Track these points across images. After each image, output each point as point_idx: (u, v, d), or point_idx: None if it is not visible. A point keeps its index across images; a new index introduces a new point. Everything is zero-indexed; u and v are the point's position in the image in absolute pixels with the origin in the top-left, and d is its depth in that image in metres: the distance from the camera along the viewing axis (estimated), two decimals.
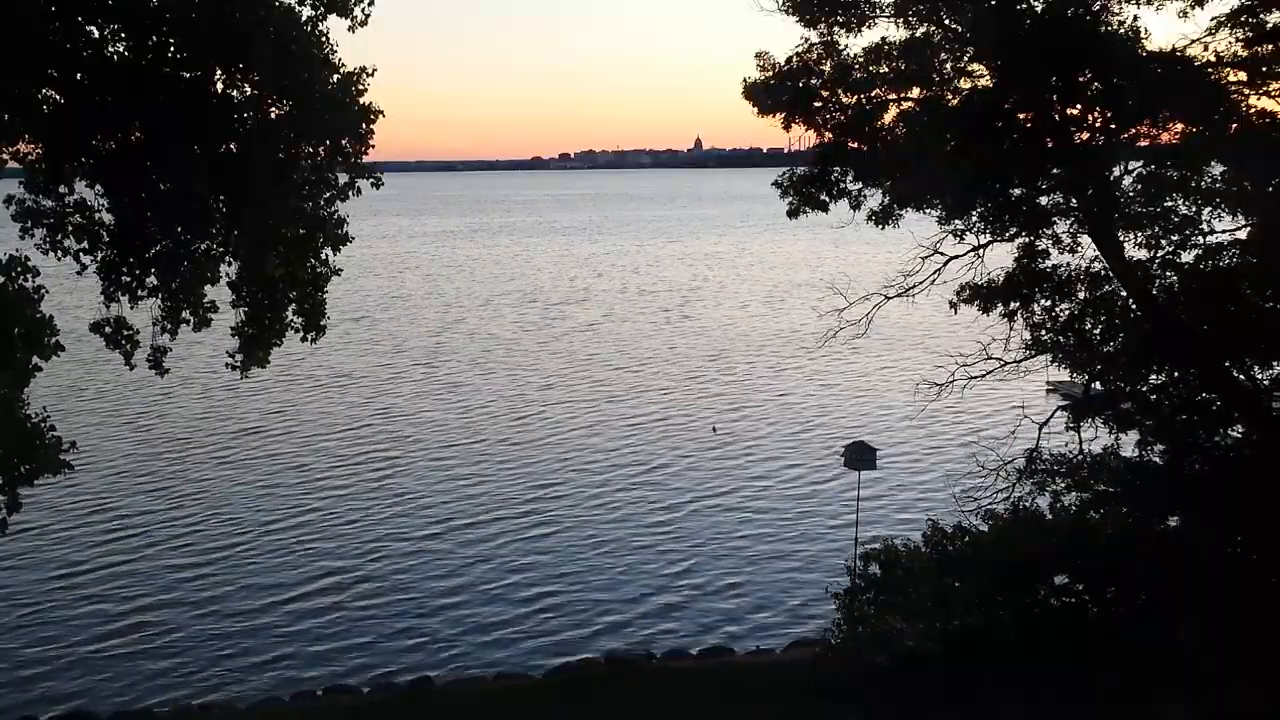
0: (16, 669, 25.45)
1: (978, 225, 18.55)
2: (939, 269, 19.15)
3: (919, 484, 38.50)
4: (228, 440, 45.56)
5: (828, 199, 18.96)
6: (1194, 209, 17.42)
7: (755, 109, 18.53)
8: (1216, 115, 16.80)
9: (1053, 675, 17.47)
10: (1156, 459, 18.31)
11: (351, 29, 12.63)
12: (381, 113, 12.87)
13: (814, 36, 18.23)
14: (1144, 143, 17.93)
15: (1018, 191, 18.21)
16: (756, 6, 18.21)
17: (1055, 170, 17.94)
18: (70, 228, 12.30)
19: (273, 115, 12.37)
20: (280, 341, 13.75)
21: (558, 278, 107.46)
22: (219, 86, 12.17)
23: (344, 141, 12.78)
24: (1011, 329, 19.18)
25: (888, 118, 18.41)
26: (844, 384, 56.02)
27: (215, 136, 12.13)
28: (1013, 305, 18.92)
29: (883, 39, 17.98)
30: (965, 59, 17.89)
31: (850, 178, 18.79)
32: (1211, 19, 17.22)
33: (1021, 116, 17.77)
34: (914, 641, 19.20)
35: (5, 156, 12.17)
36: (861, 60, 18.09)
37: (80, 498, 36.97)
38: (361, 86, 12.63)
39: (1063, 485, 19.26)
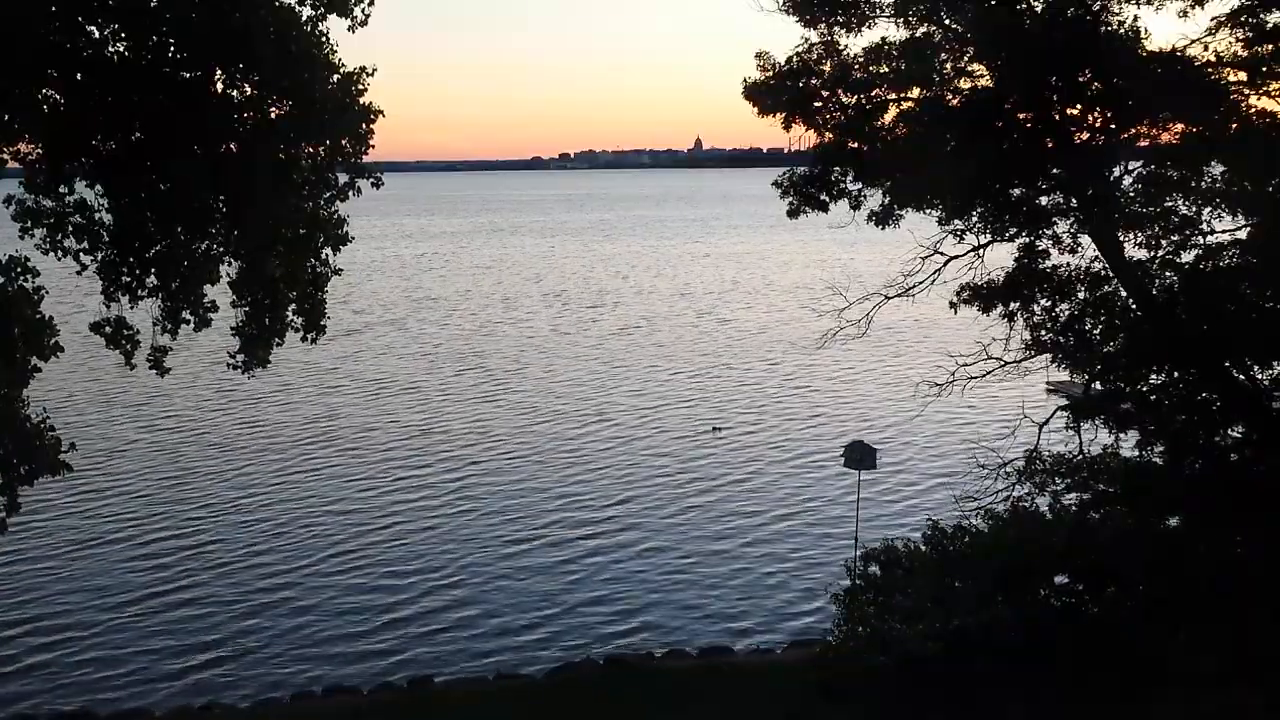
0: (17, 669, 25.46)
1: (978, 225, 18.54)
2: (939, 269, 19.13)
3: (919, 484, 38.50)
4: (230, 441, 45.57)
5: (828, 199, 18.94)
6: (1194, 209, 17.38)
7: (755, 109, 18.50)
8: (1216, 115, 16.78)
9: (1053, 675, 17.45)
10: (1156, 459, 18.29)
11: (351, 29, 12.63)
12: (381, 113, 12.88)
13: (814, 36, 18.21)
14: (1144, 143, 17.92)
15: (1018, 191, 18.19)
16: (756, 6, 18.22)
17: (1055, 170, 17.93)
18: (70, 228, 12.25)
19: (273, 115, 12.36)
20: (281, 341, 13.77)
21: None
22: (219, 86, 12.17)
23: (344, 141, 12.79)
24: (1011, 329, 19.15)
25: (888, 118, 18.39)
26: (844, 384, 56.02)
27: (215, 136, 12.12)
28: (1013, 305, 18.89)
29: (883, 39, 17.97)
30: (965, 59, 17.86)
31: (850, 178, 18.77)
32: (1211, 19, 17.20)
33: (1021, 116, 17.76)
34: (914, 642, 19.17)
35: (5, 156, 12.17)
36: (861, 60, 18.06)
37: (81, 498, 36.98)
38: (361, 86, 12.63)
39: (1063, 485, 19.22)
